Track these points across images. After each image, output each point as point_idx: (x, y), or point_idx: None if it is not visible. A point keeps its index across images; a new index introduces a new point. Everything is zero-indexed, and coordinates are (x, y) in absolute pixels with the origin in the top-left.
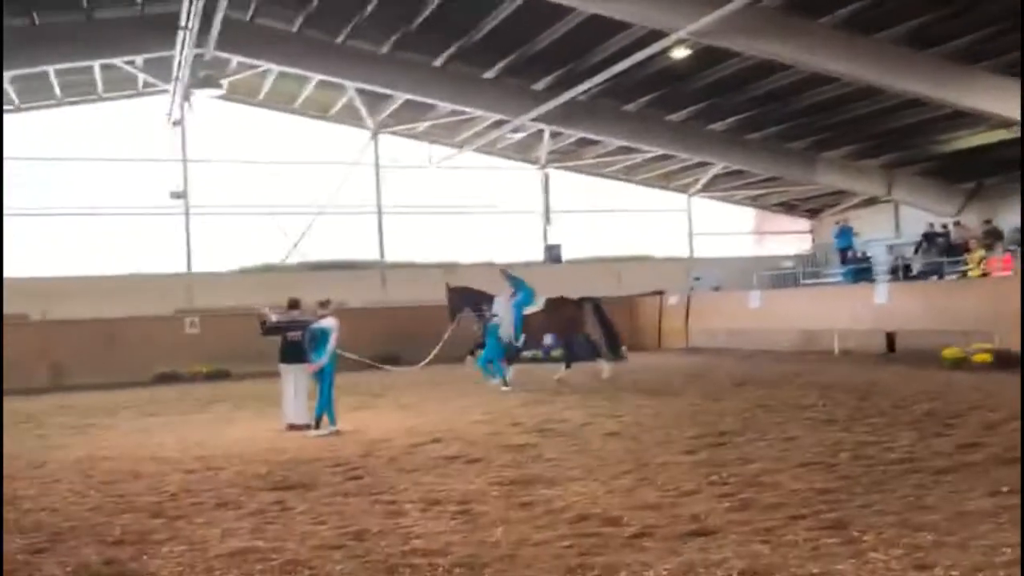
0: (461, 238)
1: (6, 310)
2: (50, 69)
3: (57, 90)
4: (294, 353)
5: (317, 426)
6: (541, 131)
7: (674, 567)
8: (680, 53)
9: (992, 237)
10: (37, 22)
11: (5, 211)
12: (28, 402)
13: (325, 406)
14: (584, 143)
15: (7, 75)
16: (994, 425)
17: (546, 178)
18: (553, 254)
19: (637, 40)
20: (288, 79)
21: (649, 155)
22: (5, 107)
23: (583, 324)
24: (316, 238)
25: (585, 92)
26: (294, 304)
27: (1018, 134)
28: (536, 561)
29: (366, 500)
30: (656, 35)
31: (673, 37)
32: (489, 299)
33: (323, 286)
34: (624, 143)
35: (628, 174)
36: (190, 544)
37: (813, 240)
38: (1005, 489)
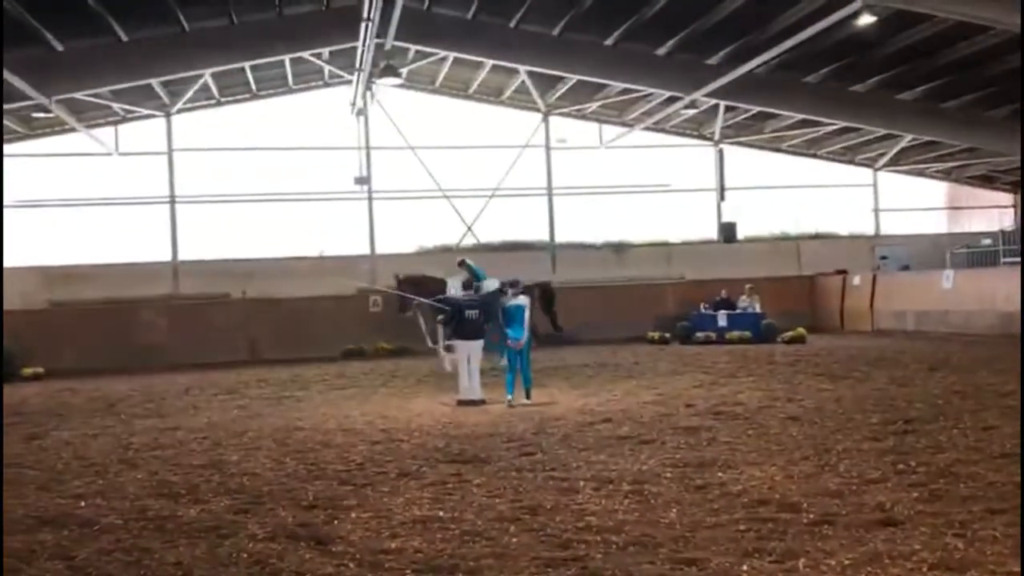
0: (632, 218)
1: (210, 289)
2: (246, 65)
3: (252, 84)
4: (472, 330)
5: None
6: (715, 106)
7: (858, 556)
8: (866, 20)
9: None
10: (236, 21)
11: (209, 199)
12: (229, 375)
13: (529, 379)
14: (761, 117)
15: (209, 71)
16: None
17: (720, 154)
18: (728, 232)
19: (819, 8)
20: (463, 65)
21: (831, 128)
22: (207, 102)
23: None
24: (489, 220)
25: (763, 65)
26: (467, 284)
27: None
28: (711, 544)
29: (540, 476)
30: (840, 2)
31: (858, 3)
32: (442, 286)
33: (496, 266)
34: (804, 116)
35: (808, 148)
36: (376, 511)
37: (1017, 215)
38: None
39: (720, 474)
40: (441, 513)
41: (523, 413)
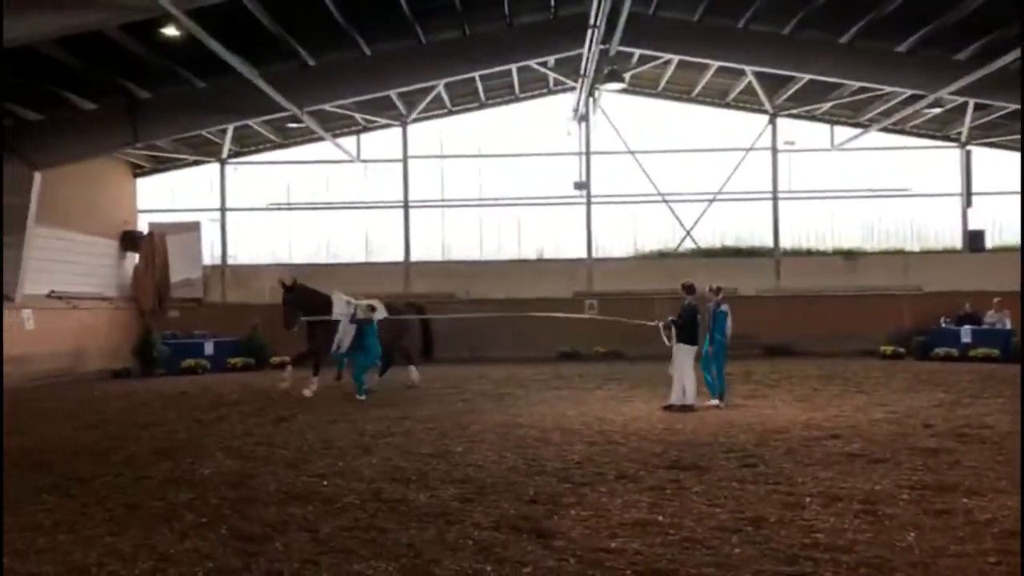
0: (865, 224)
1: (437, 289)
2: (477, 75)
3: (481, 94)
4: (684, 335)
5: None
6: (962, 105)
7: None
8: None
9: None
10: (468, 33)
11: (438, 204)
12: (452, 370)
13: (723, 383)
14: (1015, 115)
15: (443, 82)
16: None
17: (967, 156)
18: (975, 241)
19: None
20: (687, 68)
21: None
22: (439, 111)
23: (408, 330)
24: (709, 225)
25: (1018, 59)
26: (689, 289)
27: None
28: (955, 573)
29: (762, 488)
30: None
31: None
32: (327, 302)
33: (715, 273)
34: None
35: None
36: (595, 510)
37: None
38: None
39: (964, 500)
40: (660, 518)
41: (743, 424)
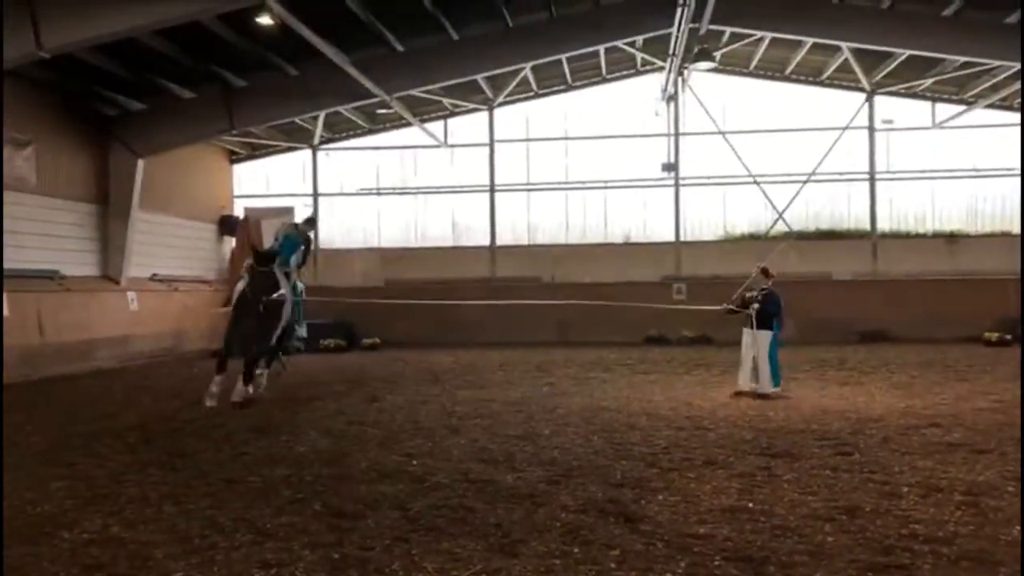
0: (968, 205)
1: (523, 272)
2: (563, 57)
3: (568, 76)
4: (764, 321)
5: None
6: None
7: None
8: None
9: None
10: (555, 14)
11: (524, 187)
12: (538, 354)
13: (776, 370)
14: None
15: (529, 65)
16: None
17: None
18: None
19: None
20: (780, 45)
21: None
22: (526, 94)
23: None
24: (803, 206)
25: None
26: (766, 273)
27: None
28: None
29: (857, 477)
30: None
31: None
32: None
33: (808, 256)
34: None
35: None
36: (683, 496)
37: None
38: None
39: None
40: (750, 504)
41: (838, 411)
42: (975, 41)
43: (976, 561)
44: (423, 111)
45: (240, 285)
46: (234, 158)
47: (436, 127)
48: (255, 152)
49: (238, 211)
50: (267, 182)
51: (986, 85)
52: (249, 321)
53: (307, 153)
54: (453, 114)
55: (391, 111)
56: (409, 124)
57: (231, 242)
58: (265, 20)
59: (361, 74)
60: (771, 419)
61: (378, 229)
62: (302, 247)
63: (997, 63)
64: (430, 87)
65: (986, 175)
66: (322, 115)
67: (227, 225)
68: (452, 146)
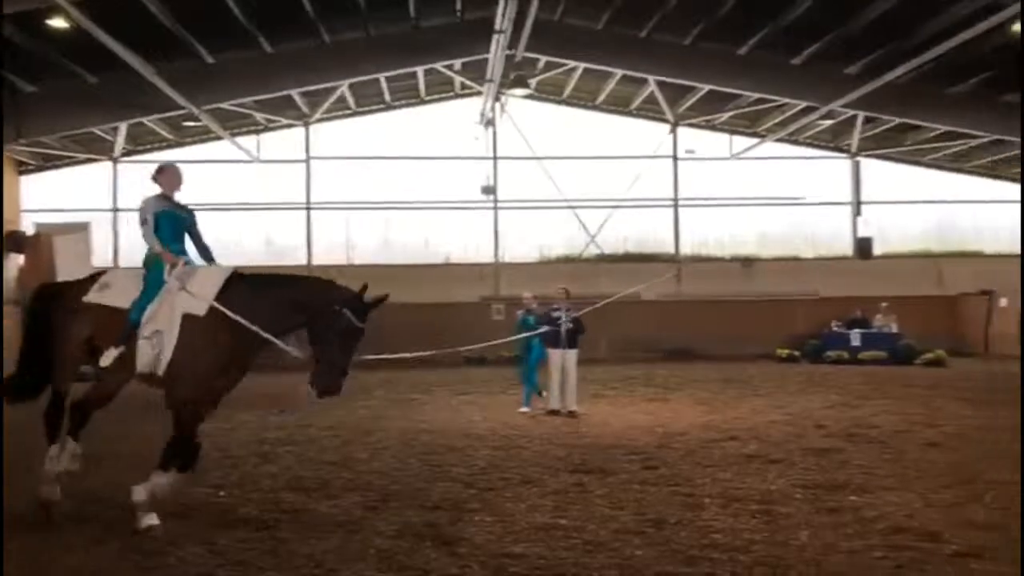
0: (762, 231)
1: None
2: (382, 76)
3: (387, 95)
4: (558, 339)
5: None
6: (853, 117)
7: None
8: (1019, 27)
9: None
10: (373, 34)
11: (342, 206)
12: (358, 376)
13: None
14: (902, 129)
15: (346, 83)
16: None
17: (857, 167)
18: (864, 248)
19: (969, 15)
20: (591, 76)
21: (979, 140)
22: (343, 112)
23: None
24: (614, 230)
25: (906, 74)
26: (567, 293)
27: None
28: (845, 570)
29: (663, 490)
30: (991, 9)
31: (1011, 10)
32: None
33: (618, 278)
34: (949, 128)
35: (953, 162)
36: (499, 515)
37: None
38: None
39: (854, 498)
40: (563, 521)
41: (646, 427)
42: (766, 79)
43: (769, 567)
44: (235, 125)
45: None
46: (23, 169)
47: (249, 142)
48: (48, 164)
49: (27, 226)
50: (62, 196)
51: (776, 120)
52: None
53: (107, 166)
54: (267, 129)
55: (200, 124)
56: (219, 138)
57: (19, 259)
58: (58, 23)
59: (167, 85)
60: (584, 436)
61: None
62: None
63: (785, 100)
64: (242, 100)
65: (776, 203)
66: (124, 126)
67: (13, 242)
68: (265, 162)
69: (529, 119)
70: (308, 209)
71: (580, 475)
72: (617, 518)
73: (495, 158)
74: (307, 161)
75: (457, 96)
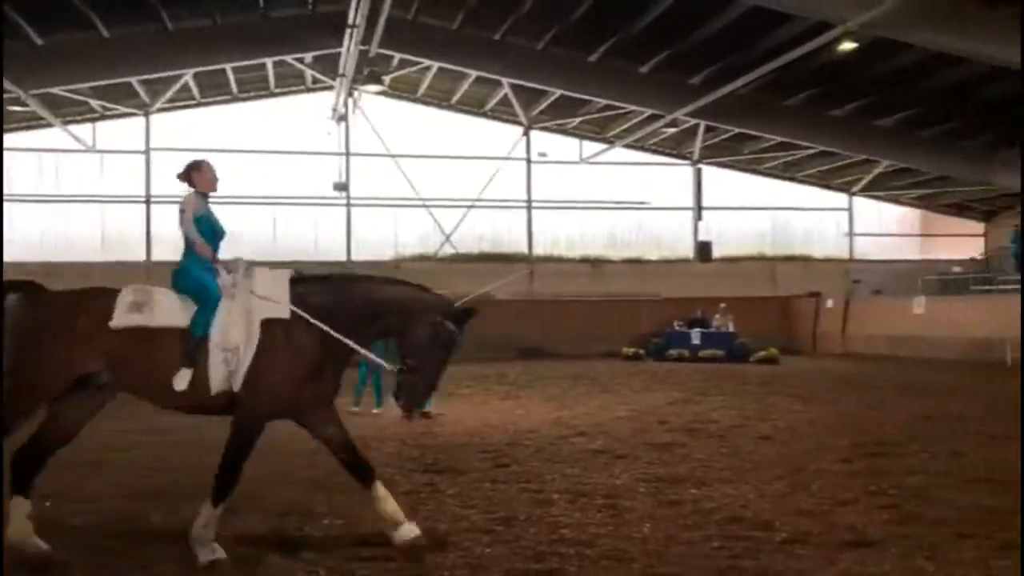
0: (610, 234)
1: None
2: (228, 67)
3: (234, 86)
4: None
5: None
6: (695, 126)
7: None
8: (847, 46)
9: None
10: (219, 22)
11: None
12: None
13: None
14: (740, 138)
15: (190, 71)
16: None
17: (698, 174)
18: (703, 252)
19: (801, 33)
20: (446, 76)
21: (809, 151)
22: (187, 102)
23: None
24: (468, 230)
25: (744, 87)
26: None
27: None
28: (685, 560)
29: (513, 487)
30: (821, 27)
31: (840, 29)
32: None
33: (472, 277)
34: (783, 139)
35: (786, 171)
36: (348, 519)
37: (986, 244)
38: None
39: (693, 490)
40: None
41: (498, 425)
42: (614, 86)
43: (614, 559)
44: (67, 112)
45: None
46: None
47: (83, 130)
48: None
49: None
50: None
51: (624, 127)
52: None
53: None
54: (104, 117)
55: (27, 109)
56: (50, 125)
57: None
58: None
59: None
60: (437, 435)
61: (10, 241)
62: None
63: (632, 107)
64: (76, 86)
65: (623, 207)
66: None
67: None
68: (101, 152)
69: (383, 116)
70: (148, 203)
71: (432, 475)
72: (468, 517)
73: (347, 154)
74: (147, 152)
75: (309, 90)
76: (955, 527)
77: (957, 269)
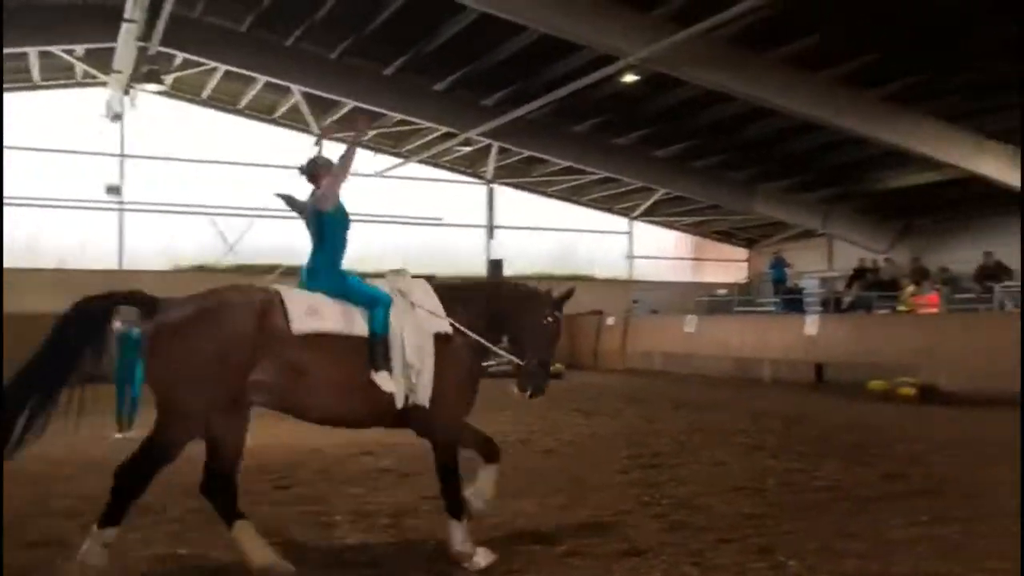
0: (404, 250)
1: None
2: None
3: None
4: None
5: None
6: (489, 146)
7: None
8: (629, 78)
9: (919, 275)
10: None
11: None
12: None
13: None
14: (531, 161)
15: None
16: (917, 457)
17: (491, 193)
18: (495, 269)
19: (588, 63)
20: (234, 79)
21: (594, 177)
22: None
23: None
24: (255, 241)
25: (535, 111)
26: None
27: (947, 176)
28: (464, 571)
29: (295, 510)
30: (607, 59)
31: (623, 62)
32: None
33: None
34: (570, 164)
35: (573, 194)
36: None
37: (749, 269)
38: (924, 518)
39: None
40: (184, 551)
41: (280, 444)
42: (409, 101)
43: None
44: None
45: None
46: None
47: None
48: None
49: None
50: None
51: (419, 143)
52: None
53: None
54: None
55: None
56: None
57: None
58: None
59: None
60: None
61: None
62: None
63: (427, 124)
64: None
65: (416, 223)
66: None
67: None
68: None
69: (164, 118)
70: None
71: (203, 500)
72: None
73: (122, 156)
74: None
75: (80, 85)
76: (717, 533)
77: (723, 291)
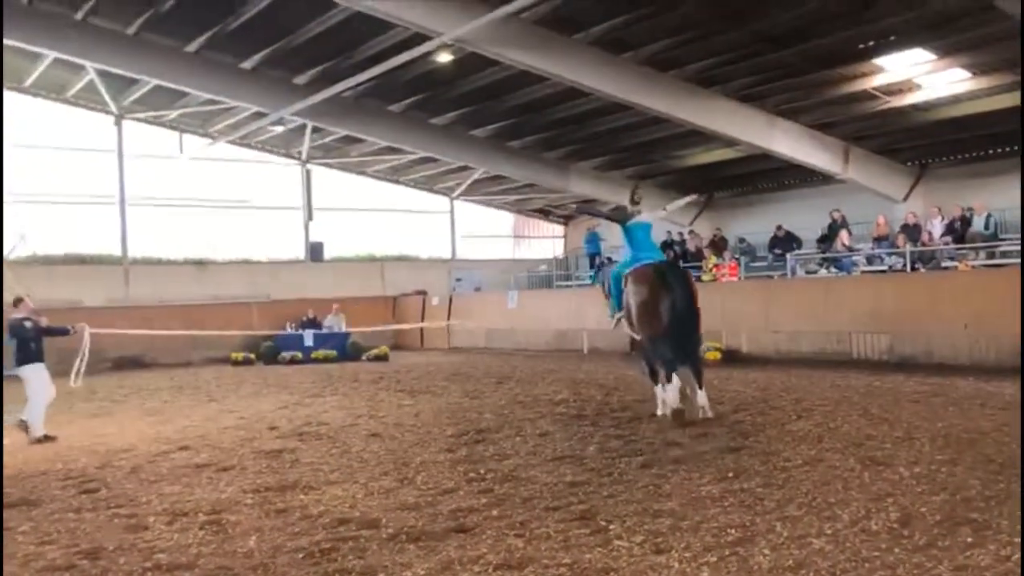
0: (216, 233)
1: None
2: None
3: None
4: (39, 353)
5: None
6: (303, 126)
7: (433, 566)
8: (444, 58)
9: (719, 246)
10: None
11: None
12: None
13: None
14: (349, 141)
15: None
16: (722, 416)
17: (308, 174)
18: (315, 252)
19: (403, 41)
20: (18, 55)
21: (413, 157)
22: None
23: None
24: (51, 229)
25: (349, 89)
26: (20, 302)
27: (743, 153)
28: (291, 568)
29: (102, 515)
30: (421, 38)
31: (437, 41)
32: None
33: (56, 282)
34: (389, 143)
35: (393, 174)
36: None
37: (566, 245)
38: (730, 474)
39: (302, 496)
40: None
41: (85, 446)
42: (215, 80)
43: None
44: None
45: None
46: None
47: None
48: None
49: None
50: None
51: (228, 123)
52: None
53: None
54: None
55: None
56: None
57: None
58: None
59: None
60: (7, 465)
61: None
62: None
63: (235, 103)
64: None
65: (227, 206)
66: None
67: None
68: None
69: None
70: None
71: None
72: (44, 555)
73: None
74: None
75: None
76: (542, 503)
77: (543, 267)
